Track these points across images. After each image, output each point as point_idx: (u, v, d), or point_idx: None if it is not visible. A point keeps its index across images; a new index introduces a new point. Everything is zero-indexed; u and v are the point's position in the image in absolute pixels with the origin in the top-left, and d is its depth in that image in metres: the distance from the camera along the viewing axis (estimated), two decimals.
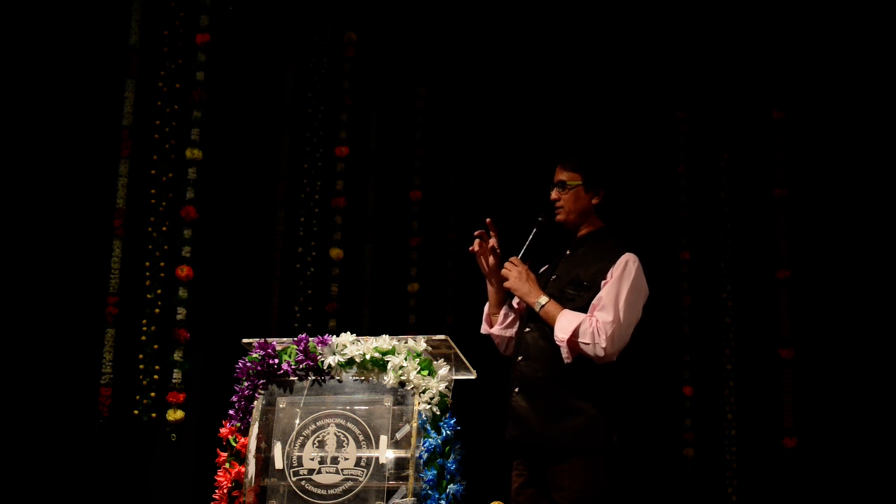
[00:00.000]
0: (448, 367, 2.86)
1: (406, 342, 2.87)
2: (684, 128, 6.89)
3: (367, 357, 2.85)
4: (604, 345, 3.26)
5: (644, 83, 6.70)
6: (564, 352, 3.30)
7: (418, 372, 2.80)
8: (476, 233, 3.55)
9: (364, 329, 6.14)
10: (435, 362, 2.85)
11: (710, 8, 6.11)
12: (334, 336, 2.91)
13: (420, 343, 2.87)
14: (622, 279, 3.36)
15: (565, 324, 3.31)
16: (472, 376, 3.03)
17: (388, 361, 2.83)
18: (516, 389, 3.41)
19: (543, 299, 3.40)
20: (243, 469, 2.87)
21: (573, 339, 3.28)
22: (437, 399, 2.78)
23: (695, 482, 6.39)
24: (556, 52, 6.50)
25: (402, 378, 2.81)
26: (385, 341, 2.87)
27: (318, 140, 6.01)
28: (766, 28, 6.19)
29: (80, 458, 4.72)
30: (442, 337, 2.91)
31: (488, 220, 3.56)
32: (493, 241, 3.55)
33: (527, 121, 6.74)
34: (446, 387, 2.81)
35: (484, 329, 3.67)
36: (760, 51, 6.37)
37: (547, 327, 3.37)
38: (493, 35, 6.41)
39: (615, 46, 6.43)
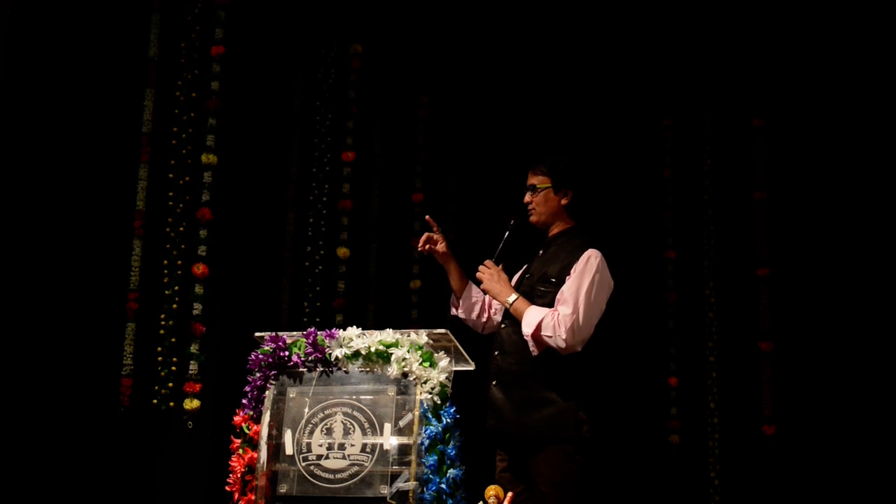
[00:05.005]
0: (448, 359, 2.87)
1: (409, 335, 2.88)
2: (670, 134, 6.89)
3: (372, 350, 2.86)
4: (564, 336, 3.27)
5: (632, 93, 6.71)
6: (531, 345, 3.33)
7: (420, 363, 2.81)
8: (425, 236, 3.62)
9: (369, 323, 6.13)
10: (436, 354, 2.85)
11: (695, 23, 6.13)
12: (341, 330, 2.92)
13: (422, 336, 2.88)
14: (584, 274, 3.37)
15: (531, 318, 3.34)
16: (471, 367, 3.04)
17: (391, 354, 2.84)
18: (493, 382, 3.44)
19: (513, 297, 3.43)
20: (256, 455, 2.88)
21: (537, 333, 3.31)
22: (437, 389, 2.80)
23: (680, 467, 6.39)
24: (551, 64, 6.51)
25: (405, 369, 2.82)
26: (389, 335, 2.88)
27: (325, 146, 6.01)
28: (747, 41, 6.21)
29: (103, 444, 4.72)
30: (442, 331, 2.92)
31: (427, 217, 3.67)
32: (437, 237, 3.62)
33: (522, 128, 6.74)
34: (446, 377, 2.83)
35: (452, 312, 3.71)
36: (741, 63, 6.39)
37: (518, 323, 3.38)
38: (490, 47, 6.43)
39: (606, 60, 6.44)
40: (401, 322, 6.40)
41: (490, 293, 3.52)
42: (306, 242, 5.88)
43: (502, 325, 3.52)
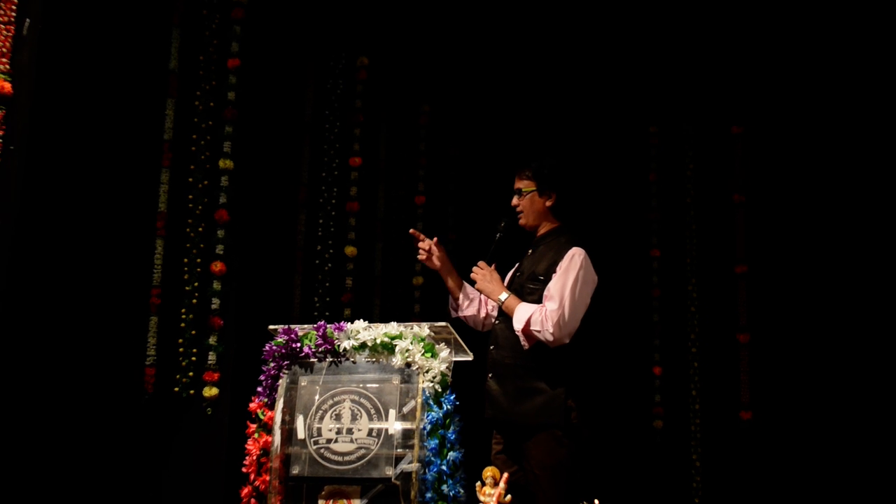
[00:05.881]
0: (448, 350, 2.88)
1: (412, 328, 2.89)
2: (655, 141, 6.88)
3: (378, 341, 2.87)
4: (551, 330, 3.28)
5: (621, 103, 6.71)
6: (522, 339, 3.34)
7: (422, 354, 2.82)
8: (422, 245, 3.58)
9: (375, 317, 6.13)
10: (437, 346, 2.87)
11: (679, 38, 6.13)
12: (349, 323, 2.93)
13: (424, 329, 2.89)
14: (568, 271, 3.37)
15: (521, 315, 3.34)
16: (469, 358, 3.05)
17: (396, 345, 2.85)
18: (490, 374, 3.44)
19: (504, 295, 3.43)
20: (270, 439, 2.89)
21: (527, 328, 3.31)
22: (438, 378, 2.81)
23: (664, 450, 6.39)
24: (545, 76, 6.51)
25: (409, 359, 2.83)
26: (393, 327, 2.89)
27: (334, 151, 6.00)
28: (727, 55, 6.21)
29: (128, 429, 4.73)
30: (443, 324, 2.94)
31: (411, 230, 3.65)
32: (433, 245, 3.59)
33: (518, 135, 6.74)
34: (447, 367, 2.84)
35: (452, 314, 3.70)
36: (721, 75, 6.38)
37: (510, 319, 3.40)
38: (487, 60, 6.41)
39: (596, 73, 6.44)
40: (404, 316, 6.40)
41: (483, 292, 3.52)
42: (316, 242, 5.88)
43: (496, 322, 3.53)
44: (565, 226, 3.60)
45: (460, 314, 3.69)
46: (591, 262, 3.42)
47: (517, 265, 3.67)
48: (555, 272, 3.39)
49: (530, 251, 3.60)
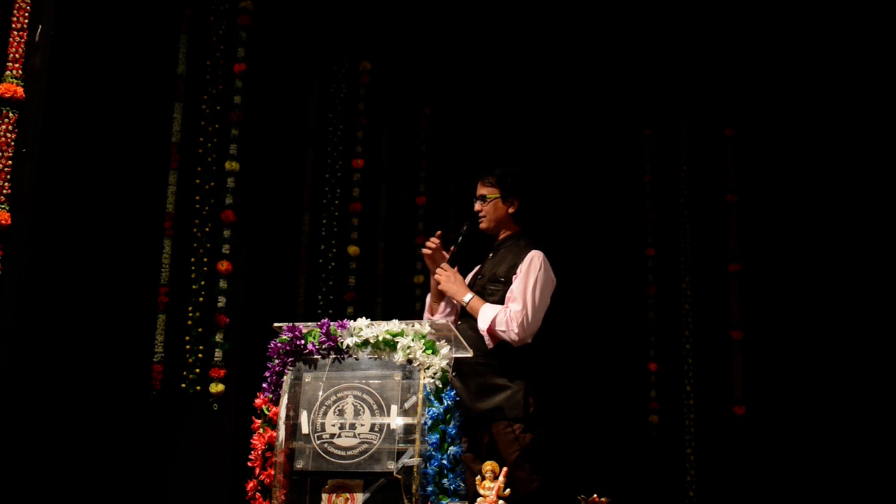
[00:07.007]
0: (448, 347, 2.88)
1: (413, 326, 2.88)
2: (649, 143, 6.89)
3: (380, 338, 2.87)
4: (516, 330, 3.31)
5: (616, 107, 6.71)
6: (487, 339, 3.36)
7: (423, 351, 2.82)
8: (433, 241, 3.60)
9: (377, 315, 6.13)
10: (437, 343, 2.86)
11: (672, 43, 6.14)
12: (352, 321, 2.92)
13: (425, 326, 2.88)
14: (528, 274, 3.41)
15: (486, 315, 3.37)
16: (469, 354, 3.06)
17: (397, 342, 2.85)
18: (452, 373, 3.45)
19: (468, 296, 3.46)
20: (275, 434, 2.88)
21: (492, 328, 3.34)
22: (439, 374, 2.81)
23: (659, 444, 6.39)
24: (542, 80, 6.51)
25: (410, 356, 2.82)
26: (395, 325, 2.88)
27: (337, 154, 6.00)
28: (720, 59, 6.22)
29: (137, 425, 4.73)
30: (443, 321, 2.98)
31: (439, 232, 3.68)
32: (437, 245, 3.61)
33: (516, 138, 6.74)
34: (447, 364, 2.83)
35: (426, 317, 3.69)
36: (714, 78, 6.39)
37: (473, 320, 3.40)
38: (487, 65, 6.42)
39: (592, 77, 6.45)
40: (406, 313, 6.34)
41: (447, 293, 3.55)
42: (320, 241, 5.87)
43: (459, 323, 3.55)
44: (524, 231, 3.63)
45: (434, 317, 3.70)
46: (549, 264, 3.45)
47: (478, 268, 3.70)
48: (515, 275, 3.41)
49: (490, 255, 3.63)
